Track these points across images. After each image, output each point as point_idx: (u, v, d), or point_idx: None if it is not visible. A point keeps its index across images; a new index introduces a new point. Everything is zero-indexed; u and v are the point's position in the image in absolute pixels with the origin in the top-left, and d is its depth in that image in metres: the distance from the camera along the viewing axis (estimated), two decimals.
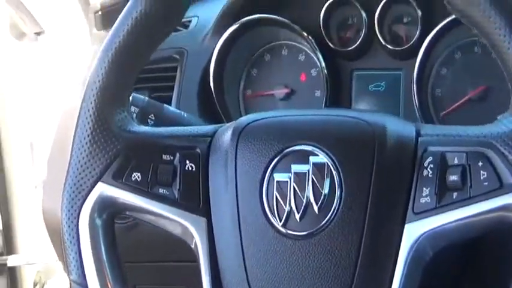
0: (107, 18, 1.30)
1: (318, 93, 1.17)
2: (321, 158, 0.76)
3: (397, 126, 0.78)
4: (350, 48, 1.14)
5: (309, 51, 1.17)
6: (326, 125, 0.79)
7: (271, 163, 0.77)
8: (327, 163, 0.76)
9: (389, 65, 1.15)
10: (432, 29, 1.08)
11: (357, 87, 1.17)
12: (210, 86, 1.17)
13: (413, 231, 0.74)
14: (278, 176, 0.77)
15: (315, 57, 1.15)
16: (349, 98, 1.17)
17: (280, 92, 1.18)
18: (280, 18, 1.14)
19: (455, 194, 0.73)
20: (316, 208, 0.75)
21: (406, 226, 0.74)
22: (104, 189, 0.80)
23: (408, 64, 1.12)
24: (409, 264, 0.74)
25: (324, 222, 0.74)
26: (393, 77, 1.15)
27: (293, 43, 1.18)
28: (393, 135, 0.77)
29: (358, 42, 1.13)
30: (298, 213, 0.75)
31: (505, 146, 0.72)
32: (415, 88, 1.09)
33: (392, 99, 1.15)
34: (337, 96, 1.16)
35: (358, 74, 1.17)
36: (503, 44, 0.71)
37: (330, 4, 1.13)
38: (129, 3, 0.79)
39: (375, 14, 1.12)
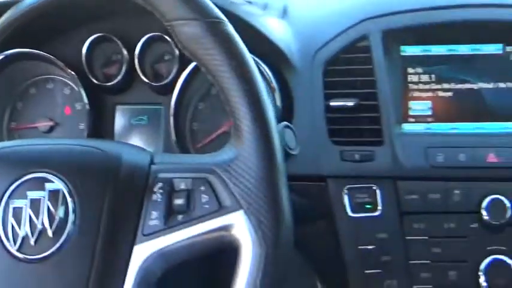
0: None
1: (82, 126, 1.20)
2: (56, 184, 0.79)
3: (132, 156, 0.83)
4: (112, 83, 1.18)
5: (73, 86, 1.20)
6: (63, 153, 0.83)
7: (7, 190, 0.79)
8: (62, 190, 0.79)
9: (151, 100, 1.21)
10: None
11: (120, 121, 1.21)
12: None
13: (141, 252, 0.78)
14: (14, 203, 0.79)
15: (79, 92, 1.19)
16: (112, 131, 1.21)
17: (44, 124, 1.20)
18: (42, 53, 1.17)
19: (180, 217, 0.79)
20: (50, 232, 0.78)
21: (135, 248, 0.78)
22: None
23: (168, 99, 1.18)
24: (139, 284, 0.78)
25: (57, 246, 0.77)
26: (154, 111, 1.20)
27: (58, 77, 1.21)
28: (127, 164, 0.81)
29: (119, 78, 1.18)
30: (32, 237, 0.78)
31: (224, 172, 0.79)
32: (172, 122, 1.15)
33: (154, 133, 1.20)
34: (101, 129, 1.20)
35: (121, 108, 1.21)
36: (225, 80, 0.78)
37: (91, 40, 1.17)
38: None
39: (135, 51, 1.17)
